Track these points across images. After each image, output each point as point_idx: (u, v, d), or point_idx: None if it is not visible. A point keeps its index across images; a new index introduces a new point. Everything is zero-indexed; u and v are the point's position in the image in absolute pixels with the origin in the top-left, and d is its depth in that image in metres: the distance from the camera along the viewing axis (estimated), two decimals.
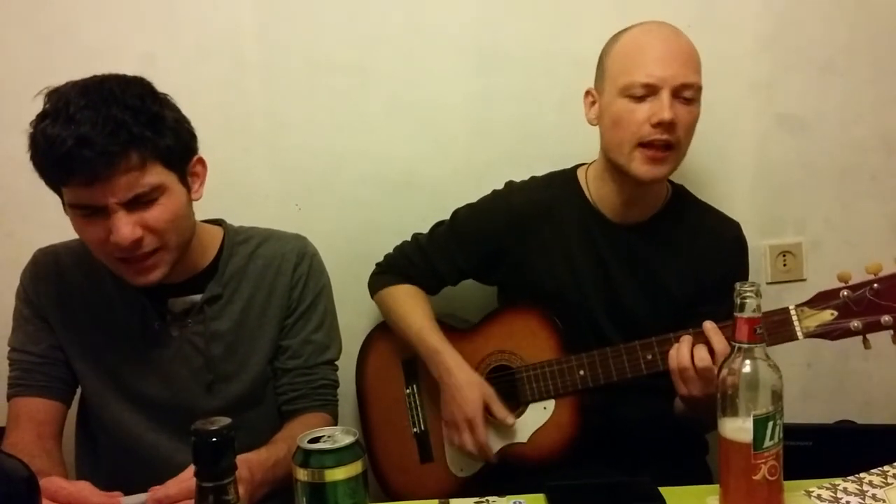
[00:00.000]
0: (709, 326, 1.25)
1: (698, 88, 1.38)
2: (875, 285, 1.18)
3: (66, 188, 1.14)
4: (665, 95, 1.34)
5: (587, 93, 1.47)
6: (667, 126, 1.34)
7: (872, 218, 1.80)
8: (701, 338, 1.27)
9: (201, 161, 1.27)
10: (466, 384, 1.42)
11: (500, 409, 1.42)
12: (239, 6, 1.68)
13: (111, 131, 1.09)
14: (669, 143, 1.35)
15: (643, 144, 1.36)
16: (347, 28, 1.70)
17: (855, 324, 1.19)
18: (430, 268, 1.58)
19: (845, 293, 1.20)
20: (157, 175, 1.16)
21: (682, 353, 1.25)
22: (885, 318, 1.17)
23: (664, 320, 1.40)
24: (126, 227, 1.14)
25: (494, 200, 1.56)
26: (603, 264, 1.47)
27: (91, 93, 1.12)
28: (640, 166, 1.37)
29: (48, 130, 1.10)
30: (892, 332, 1.18)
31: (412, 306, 1.54)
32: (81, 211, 1.16)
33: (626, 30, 1.43)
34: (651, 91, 1.35)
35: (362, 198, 1.76)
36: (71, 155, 1.08)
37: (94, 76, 1.17)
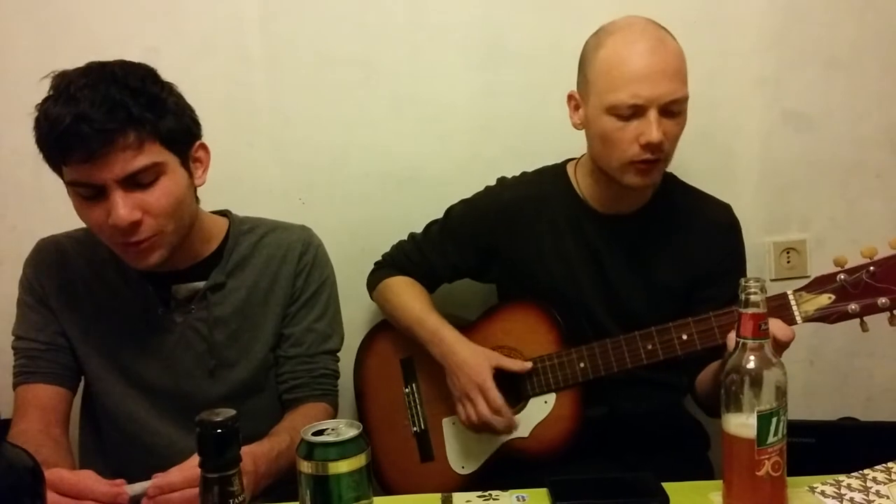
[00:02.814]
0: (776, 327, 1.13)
1: (685, 100, 1.33)
2: (871, 268, 1.18)
3: (67, 167, 1.16)
4: (653, 115, 1.30)
5: (570, 96, 1.44)
6: (655, 146, 1.31)
7: (877, 215, 1.80)
8: (703, 325, 1.28)
9: (204, 147, 1.28)
10: (470, 355, 1.41)
11: (512, 363, 1.41)
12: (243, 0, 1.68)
13: (109, 109, 1.11)
14: (658, 157, 1.34)
15: (632, 161, 1.34)
16: (352, 22, 1.70)
17: (852, 307, 1.19)
18: (427, 264, 1.58)
19: (842, 277, 1.20)
20: (154, 155, 1.16)
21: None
22: (882, 301, 1.17)
23: (661, 309, 1.40)
24: (124, 208, 1.15)
25: (486, 197, 1.55)
26: (597, 257, 1.47)
27: (92, 74, 1.14)
28: (631, 178, 1.35)
29: (50, 110, 1.13)
30: (888, 314, 1.18)
31: (410, 295, 1.54)
32: (82, 191, 1.17)
33: (606, 33, 1.36)
34: (638, 111, 1.31)
35: (366, 193, 1.76)
36: (69, 132, 1.10)
37: (99, 61, 1.18)
